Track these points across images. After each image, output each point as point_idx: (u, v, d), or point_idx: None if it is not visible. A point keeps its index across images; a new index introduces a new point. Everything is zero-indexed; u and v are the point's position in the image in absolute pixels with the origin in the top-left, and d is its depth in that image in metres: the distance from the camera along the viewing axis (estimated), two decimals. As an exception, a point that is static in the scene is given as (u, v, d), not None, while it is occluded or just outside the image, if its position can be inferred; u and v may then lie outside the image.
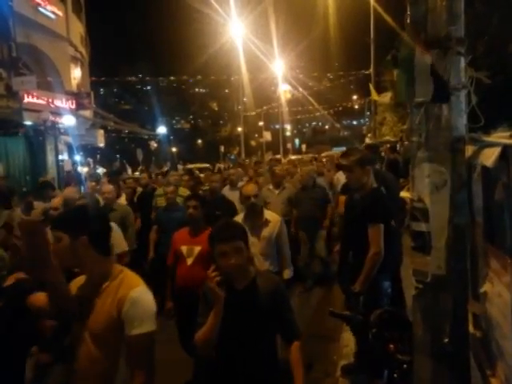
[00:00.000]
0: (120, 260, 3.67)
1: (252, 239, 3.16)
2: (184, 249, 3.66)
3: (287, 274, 3.57)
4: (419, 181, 1.91)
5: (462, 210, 1.84)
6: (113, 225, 3.76)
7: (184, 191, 6.45)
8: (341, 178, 7.86)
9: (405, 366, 2.29)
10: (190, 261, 3.57)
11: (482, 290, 1.65)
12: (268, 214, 3.64)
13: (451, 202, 1.83)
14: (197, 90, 58.04)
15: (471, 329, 1.99)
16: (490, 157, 1.35)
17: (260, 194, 5.76)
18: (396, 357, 2.35)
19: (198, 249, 3.58)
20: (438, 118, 1.83)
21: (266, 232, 3.53)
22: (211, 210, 5.11)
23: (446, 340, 1.86)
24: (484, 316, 1.64)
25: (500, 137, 1.33)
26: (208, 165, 21.12)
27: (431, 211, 1.86)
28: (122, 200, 6.88)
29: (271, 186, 6.52)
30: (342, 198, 4.57)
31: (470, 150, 1.76)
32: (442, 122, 1.82)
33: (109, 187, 5.66)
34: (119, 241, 4.02)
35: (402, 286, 3.72)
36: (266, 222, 3.56)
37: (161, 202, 6.11)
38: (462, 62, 1.80)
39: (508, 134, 1.29)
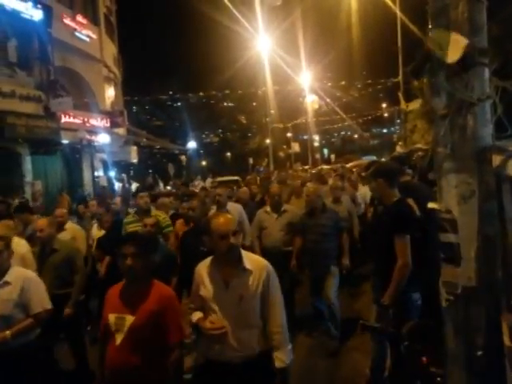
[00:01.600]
0: (37, 321, 3.08)
1: (215, 305, 2.41)
2: (112, 319, 2.48)
3: (281, 360, 2.38)
4: (446, 192, 1.90)
5: (491, 220, 1.82)
6: (31, 276, 3.19)
7: (164, 220, 5.35)
8: (363, 190, 7.61)
9: (438, 379, 2.25)
10: (119, 338, 2.43)
11: (514, 301, 1.63)
12: (248, 260, 2.48)
13: (480, 213, 1.82)
14: (225, 104, 58.91)
15: (507, 341, 1.94)
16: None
17: (244, 229, 5.29)
18: (429, 370, 2.31)
19: (130, 320, 2.43)
20: (463, 129, 1.83)
21: (245, 288, 2.40)
22: (192, 244, 4.50)
23: (480, 353, 1.84)
24: (518, 328, 1.62)
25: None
26: (237, 177, 21.27)
27: (460, 222, 1.85)
28: (94, 230, 6.04)
29: (269, 208, 5.44)
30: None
31: (497, 159, 1.75)
32: (468, 132, 1.82)
33: (42, 221, 4.31)
34: (38, 296, 3.11)
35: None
36: (245, 272, 2.43)
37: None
38: (487, 72, 1.81)
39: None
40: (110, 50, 20.70)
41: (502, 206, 1.91)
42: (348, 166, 19.61)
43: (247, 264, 2.44)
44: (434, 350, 2.29)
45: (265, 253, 4.84)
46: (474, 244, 1.82)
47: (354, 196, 7.15)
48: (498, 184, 1.86)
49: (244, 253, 2.51)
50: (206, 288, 2.48)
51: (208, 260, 2.55)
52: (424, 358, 2.35)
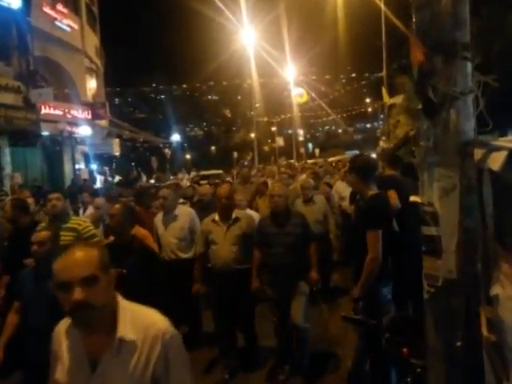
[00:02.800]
0: None
1: None
2: None
3: None
4: (428, 185, 1.92)
5: (471, 214, 1.84)
6: None
7: (85, 229, 4.12)
8: (340, 186, 7.14)
9: (418, 370, 2.29)
10: None
11: (493, 293, 1.65)
12: (131, 323, 1.52)
13: (461, 206, 1.84)
14: (210, 97, 58.57)
15: (485, 333, 1.98)
16: (497, 160, 1.37)
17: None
18: (410, 361, 2.35)
19: None
20: (445, 123, 1.84)
21: (121, 374, 1.48)
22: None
23: (459, 344, 1.86)
24: (496, 319, 1.64)
25: (507, 140, 1.34)
26: (221, 171, 21.21)
27: (441, 215, 1.87)
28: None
29: (217, 217, 4.26)
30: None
31: (479, 153, 1.77)
32: (450, 126, 1.84)
33: None
34: None
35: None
36: (122, 346, 1.49)
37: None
38: (469, 66, 1.82)
39: (513, 138, 1.30)
40: (92, 41, 20.30)
41: (482, 200, 1.93)
42: (330, 160, 19.71)
43: (128, 331, 1.49)
44: (414, 342, 2.33)
45: (214, 274, 4.21)
46: (454, 237, 1.84)
47: (328, 195, 6.58)
48: (479, 178, 1.88)
49: (126, 311, 1.54)
50: (63, 369, 1.53)
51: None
52: (404, 350, 2.38)
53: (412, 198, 1.95)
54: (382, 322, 2.74)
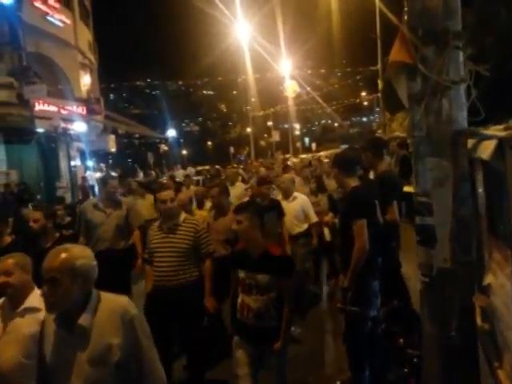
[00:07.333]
0: None
1: None
2: None
3: None
4: (422, 175, 1.92)
5: (465, 203, 1.85)
6: None
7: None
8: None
9: (414, 360, 2.31)
10: None
11: (486, 282, 1.65)
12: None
13: (454, 195, 1.84)
14: (205, 92, 58.29)
15: (479, 322, 1.99)
16: (487, 149, 1.37)
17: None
18: (406, 351, 2.37)
19: None
20: (438, 112, 1.84)
21: None
22: None
23: (454, 333, 1.87)
24: (489, 308, 1.65)
25: (496, 129, 1.34)
26: (218, 166, 21.17)
27: (435, 205, 1.87)
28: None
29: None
30: None
31: (470, 143, 1.77)
32: (443, 115, 1.84)
33: None
34: None
35: (404, 280, 3.72)
36: None
37: None
38: (461, 55, 1.81)
39: (503, 126, 1.30)
40: (85, 36, 20.10)
41: (475, 189, 1.94)
42: (319, 154, 19.45)
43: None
44: (409, 332, 2.35)
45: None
46: (448, 226, 1.84)
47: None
48: (471, 167, 1.88)
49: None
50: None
51: None
52: (401, 340, 2.40)
53: (406, 189, 1.95)
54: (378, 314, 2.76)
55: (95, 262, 1.81)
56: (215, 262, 3.62)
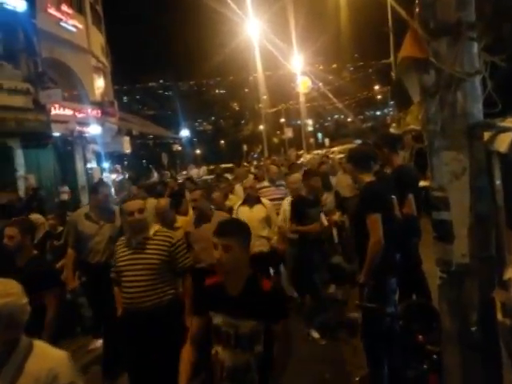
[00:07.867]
0: None
1: None
2: None
3: None
4: (438, 169, 1.89)
5: (482, 197, 1.81)
6: None
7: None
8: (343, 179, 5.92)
9: (434, 356, 2.27)
10: None
11: (506, 277, 1.62)
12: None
13: (472, 189, 1.81)
14: (217, 91, 58.52)
15: (500, 317, 1.95)
16: (504, 142, 1.34)
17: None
18: (425, 348, 2.34)
19: None
20: (453, 105, 1.80)
21: None
22: None
23: (474, 329, 1.85)
24: (510, 303, 1.62)
25: (514, 121, 1.31)
26: (232, 165, 21.21)
27: (452, 199, 1.84)
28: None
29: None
30: None
31: (487, 135, 1.74)
32: (458, 108, 1.80)
33: None
34: None
35: (425, 276, 3.69)
36: None
37: None
38: (475, 47, 1.78)
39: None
40: (98, 40, 20.35)
41: (492, 183, 1.90)
42: (332, 150, 19.30)
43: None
44: (429, 328, 2.32)
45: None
46: (466, 221, 1.81)
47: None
48: (489, 160, 1.85)
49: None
50: None
51: None
52: (420, 337, 2.37)
53: (422, 183, 1.93)
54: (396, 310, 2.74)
55: (24, 301, 1.44)
56: (199, 274, 3.10)
